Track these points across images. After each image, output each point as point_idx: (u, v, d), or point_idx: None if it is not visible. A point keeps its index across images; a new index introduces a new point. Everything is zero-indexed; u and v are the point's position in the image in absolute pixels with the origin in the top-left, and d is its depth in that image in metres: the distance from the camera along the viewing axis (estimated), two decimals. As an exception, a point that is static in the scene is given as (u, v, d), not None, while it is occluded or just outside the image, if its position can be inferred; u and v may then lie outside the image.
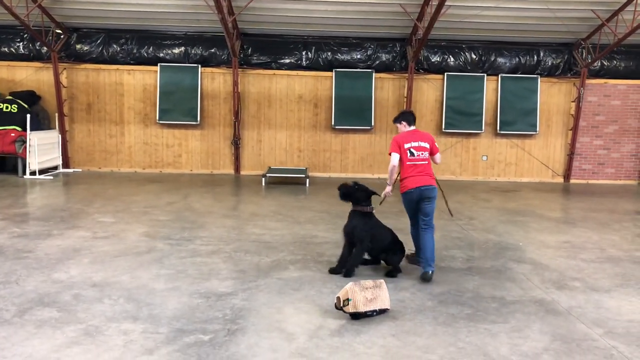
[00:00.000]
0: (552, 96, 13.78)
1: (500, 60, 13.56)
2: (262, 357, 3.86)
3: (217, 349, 3.96)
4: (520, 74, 13.60)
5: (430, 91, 13.68)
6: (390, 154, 5.89)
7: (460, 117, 13.58)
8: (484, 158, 13.90)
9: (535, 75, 13.56)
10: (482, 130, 13.61)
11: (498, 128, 13.64)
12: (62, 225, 7.72)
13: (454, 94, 13.54)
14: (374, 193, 5.84)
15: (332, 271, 5.78)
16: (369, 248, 5.78)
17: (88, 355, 3.82)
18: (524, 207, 10.25)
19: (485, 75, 13.54)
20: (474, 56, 13.55)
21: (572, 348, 4.16)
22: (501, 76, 13.56)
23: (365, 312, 4.54)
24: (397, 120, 6.06)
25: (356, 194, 5.77)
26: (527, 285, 5.61)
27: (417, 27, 12.16)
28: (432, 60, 13.51)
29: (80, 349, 3.92)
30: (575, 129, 13.68)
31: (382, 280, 4.82)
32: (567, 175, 13.95)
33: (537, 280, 5.80)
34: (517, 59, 13.54)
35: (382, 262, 6.01)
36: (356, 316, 4.54)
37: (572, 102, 13.77)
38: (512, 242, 7.47)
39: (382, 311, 4.69)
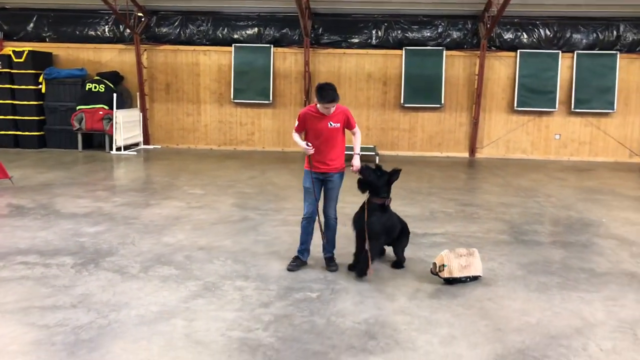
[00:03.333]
0: (632, 73, 13.26)
1: (577, 36, 13.18)
2: (368, 312, 4.18)
3: (326, 305, 4.32)
4: (597, 50, 13.18)
5: (502, 69, 13.50)
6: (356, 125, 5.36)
7: (533, 95, 13.34)
8: (557, 137, 13.63)
9: (615, 52, 13.09)
10: (555, 108, 13.33)
11: (572, 106, 13.31)
12: (157, 196, 8.32)
13: (527, 72, 13.30)
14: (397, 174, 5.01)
15: (351, 268, 5.11)
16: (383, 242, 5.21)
17: (212, 306, 4.27)
18: (602, 185, 10.07)
19: (560, 52, 13.21)
20: (548, 32, 13.23)
21: (669, 317, 4.24)
22: (577, 53, 13.18)
23: (460, 278, 4.77)
24: (336, 98, 4.97)
25: (378, 182, 4.96)
26: (615, 259, 5.66)
27: (491, 3, 11.99)
28: (505, 38, 13.31)
29: (205, 300, 4.37)
30: (656, 107, 13.18)
31: (474, 249, 5.03)
32: (645, 155, 13.50)
33: (626, 254, 5.83)
34: (594, 35, 13.12)
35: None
36: (450, 281, 4.78)
37: (654, 78, 13.24)
38: (594, 219, 7.44)
39: (474, 278, 4.91)
